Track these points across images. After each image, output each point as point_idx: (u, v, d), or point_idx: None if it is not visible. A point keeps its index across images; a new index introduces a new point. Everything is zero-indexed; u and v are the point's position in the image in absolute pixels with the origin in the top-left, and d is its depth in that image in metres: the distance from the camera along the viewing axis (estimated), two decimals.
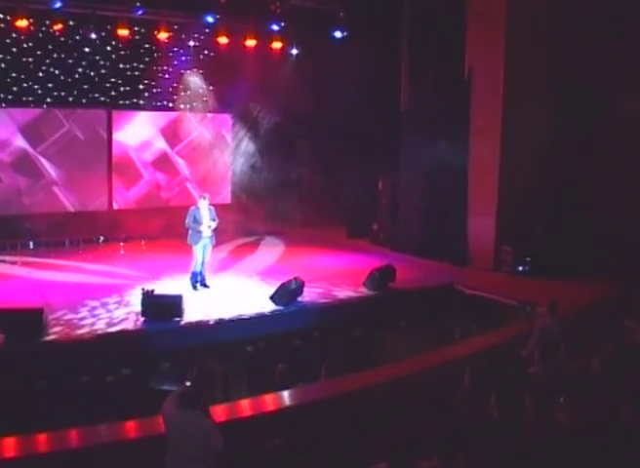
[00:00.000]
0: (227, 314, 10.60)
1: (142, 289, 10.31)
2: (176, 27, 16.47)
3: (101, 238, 16.85)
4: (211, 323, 10.18)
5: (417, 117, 15.90)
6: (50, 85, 16.34)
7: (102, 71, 16.78)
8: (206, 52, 17.86)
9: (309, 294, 11.65)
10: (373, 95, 16.17)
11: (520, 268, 13.93)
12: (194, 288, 11.93)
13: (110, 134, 17.59)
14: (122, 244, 16.73)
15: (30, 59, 15.92)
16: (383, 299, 12.13)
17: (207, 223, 11.70)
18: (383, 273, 12.29)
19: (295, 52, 17.70)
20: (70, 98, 16.74)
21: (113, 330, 9.81)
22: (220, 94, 18.14)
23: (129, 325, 9.99)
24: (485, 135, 14.43)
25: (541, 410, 5.31)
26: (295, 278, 11.21)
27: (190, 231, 11.81)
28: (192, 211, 11.78)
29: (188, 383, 6.00)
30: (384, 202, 16.94)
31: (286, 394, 7.43)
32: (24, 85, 16.01)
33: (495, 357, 8.34)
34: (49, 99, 16.51)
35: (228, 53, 16.94)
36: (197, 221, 11.68)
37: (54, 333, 9.53)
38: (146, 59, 17.25)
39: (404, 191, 16.32)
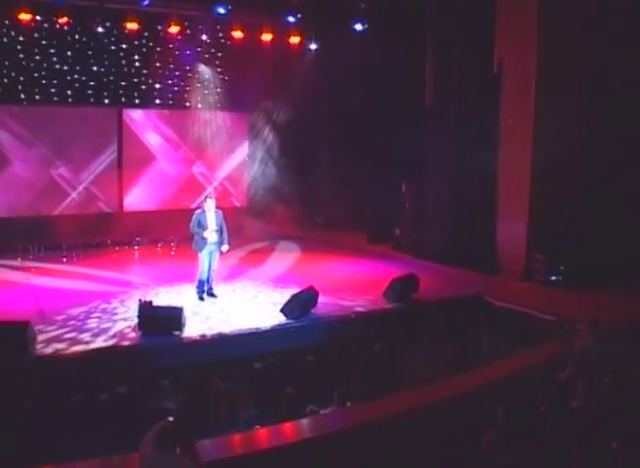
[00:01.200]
0: (234, 327, 9.74)
1: (140, 299, 9.47)
2: (187, 24, 15.69)
3: (112, 241, 16.11)
4: (214, 337, 9.26)
5: (442, 115, 14.96)
6: (56, 82, 15.71)
7: (111, 67, 16.09)
8: (220, 47, 17.13)
9: (324, 306, 10.73)
10: (395, 91, 15.40)
11: (553, 278, 13.03)
12: (200, 298, 11.07)
13: (120, 132, 16.87)
14: (136, 248, 16.06)
15: (35, 56, 15.30)
16: (405, 312, 11.16)
17: (213, 228, 10.82)
18: (406, 283, 11.34)
19: (313, 47, 16.81)
20: (78, 96, 16.11)
21: (107, 344, 8.95)
22: (235, 91, 17.36)
23: (125, 338, 9.13)
24: (516, 133, 13.49)
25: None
26: (308, 288, 10.29)
27: (195, 237, 10.95)
28: (197, 215, 10.91)
29: (171, 418, 5.06)
30: (408, 206, 16.06)
31: (293, 425, 6.48)
32: (28, 82, 15.35)
33: (531, 383, 7.38)
34: (56, 98, 15.86)
35: (243, 48, 16.16)
36: (202, 226, 10.81)
37: (42, 348, 8.71)
38: (157, 55, 16.48)
39: (428, 194, 15.37)
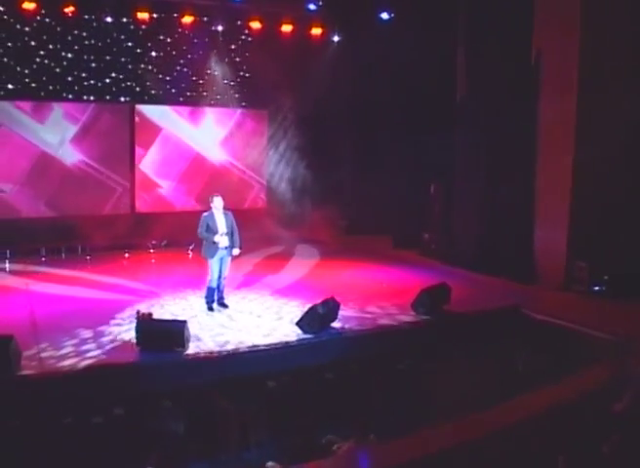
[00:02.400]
0: (245, 341, 8.74)
1: (138, 312, 8.50)
2: (201, 14, 14.82)
3: (122, 245, 15.16)
4: (223, 354, 8.27)
5: (474, 111, 13.90)
6: (64, 76, 14.85)
7: (122, 60, 15.21)
8: (236, 39, 16.16)
9: (345, 319, 9.72)
10: (423, 86, 14.43)
11: (596, 288, 12.00)
12: (210, 308, 10.11)
13: (133, 129, 16.01)
14: (152, 251, 15.23)
15: (39, 50, 14.48)
16: (435, 326, 10.10)
17: (223, 231, 9.84)
18: (436, 294, 10.30)
19: (336, 38, 15.83)
20: (88, 91, 15.26)
21: (102, 360, 7.99)
22: (253, 86, 16.47)
23: (123, 354, 8.16)
24: (556, 130, 12.42)
25: None
26: (328, 299, 9.26)
27: (204, 242, 9.99)
28: (205, 218, 9.94)
29: None
30: (437, 208, 15.06)
31: None
32: (30, 76, 14.52)
33: (582, 416, 6.27)
34: (64, 94, 15.02)
35: (261, 40, 15.22)
36: (211, 230, 9.84)
37: (28, 364, 7.77)
38: (169, 47, 15.57)
39: (460, 196, 14.35)
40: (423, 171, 14.85)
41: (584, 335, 9.80)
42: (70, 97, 15.01)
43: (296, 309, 10.21)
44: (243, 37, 15.96)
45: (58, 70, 14.68)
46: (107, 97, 15.40)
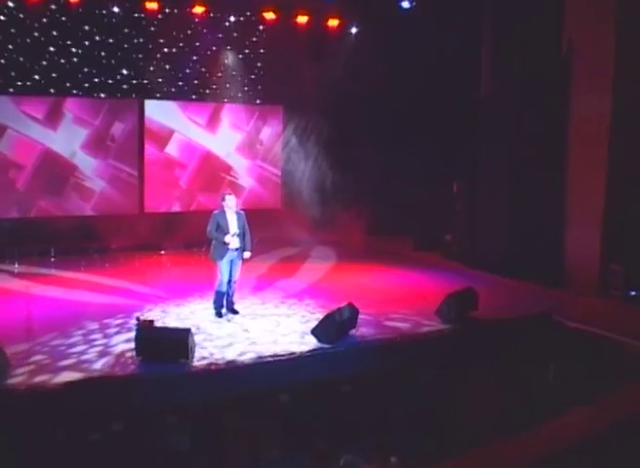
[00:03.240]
0: (257, 352, 8.04)
1: (137, 318, 7.84)
2: (212, 3, 14.11)
3: (129, 247, 14.51)
4: (231, 365, 7.58)
5: (501, 104, 13.11)
6: (69, 69, 14.27)
7: (130, 53, 14.60)
8: (249, 30, 15.46)
9: (364, 326, 9.00)
10: (446, 78, 13.78)
11: (633, 293, 11.31)
12: (218, 314, 9.42)
13: (142, 126, 15.42)
14: (162, 252, 14.62)
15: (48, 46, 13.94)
16: (462, 334, 9.34)
17: (234, 231, 9.16)
18: (462, 299, 9.55)
19: (354, 30, 15.12)
20: (93, 85, 14.68)
21: (99, 371, 7.32)
22: (267, 80, 15.83)
23: (123, 366, 7.49)
24: (589, 125, 11.72)
25: None
26: (347, 305, 8.54)
27: (213, 242, 9.31)
28: (215, 216, 9.25)
29: None
30: (460, 208, 14.24)
31: None
32: (38, 72, 13.98)
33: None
34: (69, 85, 14.44)
35: (276, 31, 14.57)
36: (221, 229, 9.16)
37: (18, 375, 7.12)
38: (180, 41, 14.94)
39: (485, 195, 13.53)
40: (446, 168, 14.12)
41: (623, 345, 9.08)
42: (79, 93, 14.49)
43: (311, 316, 9.55)
44: (257, 30, 15.26)
45: (67, 66, 14.20)
46: (118, 95, 14.87)
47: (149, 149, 15.50)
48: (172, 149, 15.79)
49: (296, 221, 15.27)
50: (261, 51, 15.54)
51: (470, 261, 13.43)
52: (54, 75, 14.06)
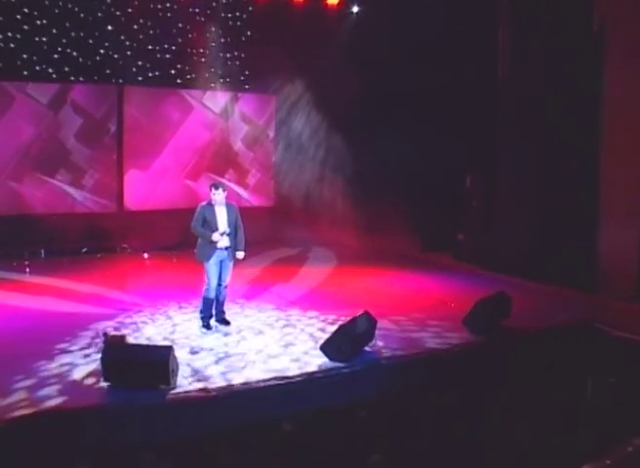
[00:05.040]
0: (253, 373, 6.54)
1: (105, 334, 6.35)
2: None
3: (106, 248, 13.18)
4: (222, 392, 6.08)
5: (521, 88, 11.79)
6: (47, 54, 12.83)
7: (110, 36, 13.16)
8: (239, 9, 14.07)
9: (380, 339, 7.52)
10: (458, 59, 12.42)
11: None
12: (206, 325, 7.94)
13: (121, 115, 13.91)
14: (146, 255, 13.15)
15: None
16: (496, 346, 7.94)
17: (223, 228, 7.70)
18: (494, 306, 8.13)
19: (355, 9, 14.04)
20: (67, 71, 13.19)
21: (58, 403, 5.78)
22: (259, 66, 14.28)
23: (86, 394, 5.96)
24: (625, 108, 10.55)
25: None
26: (362, 315, 7.08)
27: (199, 240, 7.84)
28: (202, 209, 7.78)
29: None
30: (475, 204, 13.00)
31: None
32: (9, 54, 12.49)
33: None
34: (50, 70, 12.99)
35: (268, 10, 13.37)
36: (209, 225, 7.70)
37: None
38: (161, 19, 13.50)
39: (503, 189, 12.26)
40: (457, 160, 12.71)
41: None
42: (55, 76, 13.06)
43: (316, 326, 8.14)
44: (247, 6, 13.97)
45: (45, 48, 12.80)
46: (95, 78, 13.39)
47: (130, 140, 13.99)
48: (154, 140, 14.28)
49: (289, 221, 13.96)
50: (252, 31, 14.13)
51: (487, 263, 12.11)
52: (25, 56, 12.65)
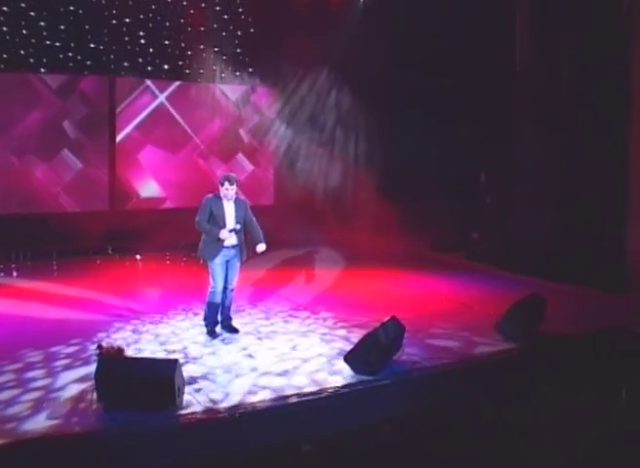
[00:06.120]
0: (270, 388, 5.73)
1: (99, 346, 5.52)
2: None
3: (96, 250, 12.37)
4: (234, 413, 5.26)
5: (540, 79, 11.08)
6: (32, 45, 12.22)
7: (99, 25, 12.52)
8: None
9: (407, 347, 6.71)
10: (472, 50, 11.68)
11: None
12: (211, 333, 7.13)
13: (113, 108, 13.22)
14: (138, 257, 12.31)
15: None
16: (533, 353, 7.17)
17: (231, 225, 6.89)
18: (529, 310, 7.38)
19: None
20: (57, 62, 12.57)
21: (47, 426, 4.95)
22: (257, 58, 13.76)
23: (79, 417, 5.12)
24: None
25: None
26: (390, 320, 6.29)
27: (203, 237, 7.02)
28: (208, 202, 6.97)
29: None
30: (490, 200, 12.24)
31: None
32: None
33: None
34: (32, 61, 12.34)
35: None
36: (215, 221, 6.88)
37: None
38: (155, 7, 12.85)
39: (522, 185, 11.49)
40: (472, 153, 12.01)
41: None
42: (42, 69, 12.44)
43: (334, 333, 7.36)
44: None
45: (32, 41, 12.24)
46: (85, 72, 12.78)
47: (122, 136, 13.22)
48: (148, 134, 13.53)
49: (292, 220, 13.20)
50: (253, 20, 13.42)
51: (503, 263, 11.37)
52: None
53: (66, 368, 6.08)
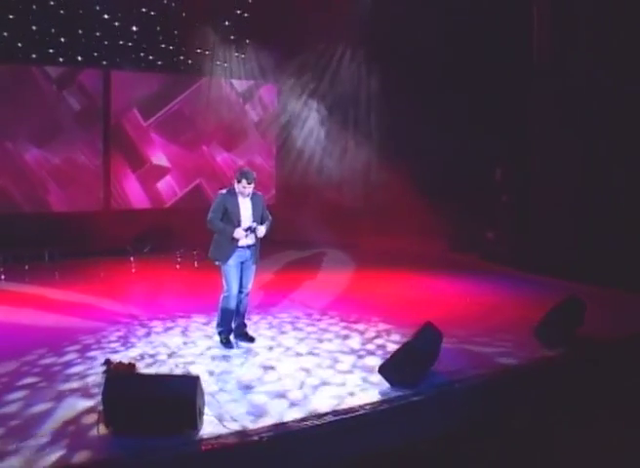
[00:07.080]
0: (297, 406, 5.11)
1: (107, 362, 4.90)
2: None
3: (94, 252, 11.71)
4: (263, 435, 4.63)
5: (560, 73, 10.68)
6: (27, 37, 11.78)
7: (97, 16, 12.06)
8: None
9: (444, 357, 6.11)
10: (488, 42, 11.36)
11: None
12: (225, 342, 6.50)
13: (108, 103, 12.82)
14: (131, 260, 11.54)
15: None
16: (572, 361, 6.63)
17: (247, 223, 6.28)
18: (568, 314, 6.87)
19: None
20: (49, 54, 12.16)
21: (50, 457, 4.30)
22: (260, 53, 13.34)
23: (76, 445, 4.44)
24: None
25: None
26: (426, 327, 5.71)
27: (215, 236, 6.39)
28: (222, 198, 6.35)
29: None
30: (506, 198, 11.88)
31: None
32: None
33: None
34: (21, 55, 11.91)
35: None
36: (229, 219, 6.27)
37: None
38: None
39: (539, 183, 11.11)
40: (487, 150, 11.54)
41: None
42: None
43: (364, 341, 6.78)
44: None
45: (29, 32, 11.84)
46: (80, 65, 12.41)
47: (118, 132, 12.73)
48: (146, 130, 13.16)
49: (296, 219, 12.54)
50: (254, 11, 12.94)
51: (520, 264, 10.95)
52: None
53: (66, 385, 5.37)
